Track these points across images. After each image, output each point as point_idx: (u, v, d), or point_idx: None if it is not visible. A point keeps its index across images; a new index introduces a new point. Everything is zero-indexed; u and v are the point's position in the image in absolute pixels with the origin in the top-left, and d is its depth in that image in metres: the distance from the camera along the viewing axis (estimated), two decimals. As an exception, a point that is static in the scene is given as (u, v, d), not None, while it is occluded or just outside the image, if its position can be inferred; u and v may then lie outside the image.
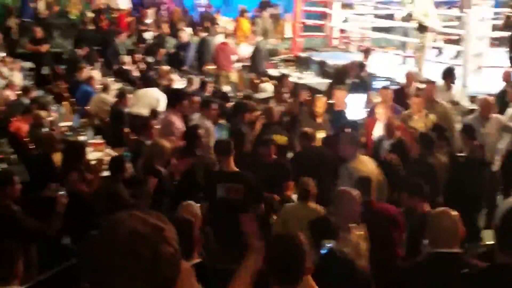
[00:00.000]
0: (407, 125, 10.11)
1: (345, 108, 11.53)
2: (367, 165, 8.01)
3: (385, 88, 11.77)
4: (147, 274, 1.86)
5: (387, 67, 16.32)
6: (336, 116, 11.06)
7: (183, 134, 9.46)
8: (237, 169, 7.45)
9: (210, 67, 18.08)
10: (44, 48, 17.25)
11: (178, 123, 9.99)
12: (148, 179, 7.62)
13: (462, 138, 9.37)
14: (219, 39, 18.08)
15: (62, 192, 6.97)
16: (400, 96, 11.91)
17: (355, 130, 9.73)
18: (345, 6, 20.40)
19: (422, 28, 14.81)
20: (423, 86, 11.92)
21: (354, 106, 11.82)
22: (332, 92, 12.17)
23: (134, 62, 17.10)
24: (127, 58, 17.16)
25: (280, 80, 13.57)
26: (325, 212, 6.62)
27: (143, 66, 17.05)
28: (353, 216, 5.87)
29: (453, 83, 12.41)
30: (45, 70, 16.93)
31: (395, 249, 6.40)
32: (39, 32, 17.98)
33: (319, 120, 10.57)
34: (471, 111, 11.71)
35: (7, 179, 7.07)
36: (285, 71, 17.31)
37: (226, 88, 15.72)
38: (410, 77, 12.96)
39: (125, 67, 16.83)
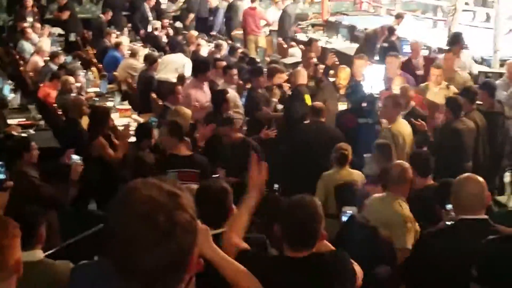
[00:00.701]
0: (424, 97, 9.83)
1: (363, 80, 10.73)
2: (406, 128, 8.05)
3: (391, 55, 11.10)
4: (163, 241, 1.84)
5: (417, 31, 16.09)
6: (353, 88, 10.20)
7: (210, 99, 9.43)
8: (190, 153, 7.33)
9: (238, 32, 18.00)
10: (65, 14, 17.20)
11: (199, 95, 9.80)
12: None
13: (481, 94, 9.05)
14: (246, 3, 17.94)
15: (77, 159, 7.00)
16: (409, 67, 11.56)
17: (372, 105, 9.23)
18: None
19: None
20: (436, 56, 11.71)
21: (373, 78, 10.88)
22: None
23: (163, 27, 17.03)
24: (158, 24, 17.11)
25: (308, 44, 13.46)
26: (361, 178, 6.59)
27: (171, 31, 17.01)
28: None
29: (462, 49, 11.74)
30: (72, 37, 16.90)
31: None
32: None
33: (342, 91, 10.40)
34: (501, 75, 11.32)
35: (24, 145, 7.13)
36: (313, 35, 17.18)
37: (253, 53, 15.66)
38: (416, 47, 12.47)
39: (154, 32, 16.78)
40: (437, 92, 9.84)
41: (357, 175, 6.89)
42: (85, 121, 9.20)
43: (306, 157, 8.08)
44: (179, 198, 1.90)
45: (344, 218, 5.07)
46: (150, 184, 1.91)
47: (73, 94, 10.55)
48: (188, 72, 11.93)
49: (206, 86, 10.07)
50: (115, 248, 1.87)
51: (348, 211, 5.11)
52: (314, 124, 8.37)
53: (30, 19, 17.21)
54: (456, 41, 11.74)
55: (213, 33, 17.55)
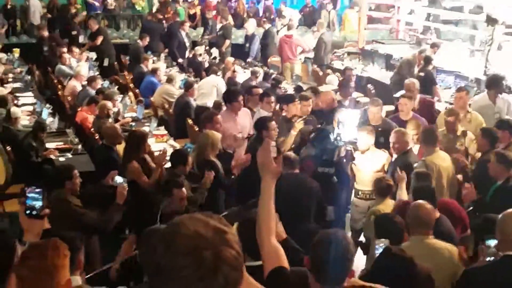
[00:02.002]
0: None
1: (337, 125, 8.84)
2: (444, 160, 7.94)
3: (405, 96, 10.01)
4: (208, 277, 1.83)
5: (454, 60, 16.01)
6: (318, 134, 8.46)
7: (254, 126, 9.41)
8: None
9: (275, 58, 18.07)
10: (98, 40, 17.41)
11: (230, 126, 9.69)
12: (204, 172, 7.63)
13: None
14: (283, 31, 18.01)
15: (122, 181, 7.02)
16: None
17: (332, 155, 8.00)
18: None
19: (491, 21, 14.44)
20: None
21: (347, 123, 8.36)
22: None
23: (199, 54, 17.17)
24: (201, 50, 17.26)
25: (344, 72, 13.44)
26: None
27: (207, 57, 17.14)
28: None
29: (501, 93, 10.56)
30: (105, 62, 17.09)
31: (457, 246, 6.26)
32: (93, 25, 18.14)
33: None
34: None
35: (67, 174, 7.19)
36: (349, 63, 17.19)
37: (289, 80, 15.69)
38: (412, 87, 11.15)
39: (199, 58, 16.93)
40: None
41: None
42: (120, 147, 9.28)
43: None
44: (225, 234, 1.91)
45: (379, 250, 5.00)
46: (196, 220, 1.92)
47: (110, 120, 10.65)
48: (222, 90, 12.05)
49: (243, 115, 10.03)
50: (159, 282, 1.87)
51: (382, 243, 5.04)
52: (291, 176, 7.40)
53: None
54: (492, 85, 10.59)
55: (249, 60, 17.62)
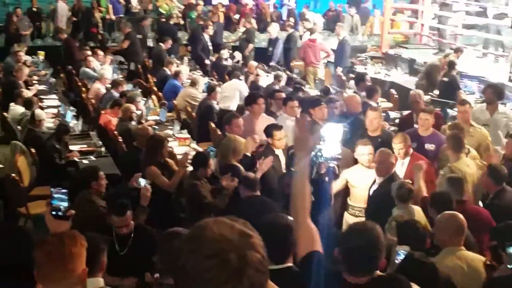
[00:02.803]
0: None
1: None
2: (469, 166, 7.87)
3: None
4: (234, 280, 1.84)
5: (478, 65, 15.93)
6: None
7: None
8: None
9: (297, 63, 18.07)
10: (125, 43, 17.51)
11: (248, 128, 9.56)
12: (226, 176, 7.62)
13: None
14: (307, 35, 18.01)
15: (145, 183, 7.05)
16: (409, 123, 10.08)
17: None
18: (438, 2, 20.01)
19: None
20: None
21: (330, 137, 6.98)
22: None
23: (225, 58, 17.22)
24: (226, 53, 17.30)
25: (360, 80, 13.16)
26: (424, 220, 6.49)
27: (230, 61, 17.18)
28: None
29: (504, 104, 10.37)
30: (132, 66, 17.19)
31: (484, 253, 6.23)
32: (125, 28, 18.27)
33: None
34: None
35: (93, 175, 7.24)
36: (372, 68, 17.16)
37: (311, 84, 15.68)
38: (417, 98, 10.52)
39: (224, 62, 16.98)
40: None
41: (418, 214, 6.79)
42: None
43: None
44: (250, 238, 1.92)
45: (400, 256, 4.99)
46: (221, 223, 1.93)
47: (133, 122, 10.71)
48: (245, 94, 12.08)
49: (264, 121, 9.95)
50: (184, 284, 1.88)
51: (403, 249, 5.03)
52: (251, 199, 7.07)
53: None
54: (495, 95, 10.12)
55: (272, 63, 17.63)
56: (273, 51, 18.16)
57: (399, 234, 5.57)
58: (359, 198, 7.83)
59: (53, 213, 3.62)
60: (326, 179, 7.18)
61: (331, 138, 5.27)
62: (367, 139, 8.22)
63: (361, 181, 7.81)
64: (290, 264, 4.30)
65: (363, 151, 7.75)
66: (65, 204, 3.64)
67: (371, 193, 7.55)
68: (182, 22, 21.70)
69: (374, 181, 7.56)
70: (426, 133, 8.91)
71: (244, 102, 10.69)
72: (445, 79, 13.10)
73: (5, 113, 12.00)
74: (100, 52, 16.67)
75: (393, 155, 7.61)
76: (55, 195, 3.63)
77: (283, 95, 10.92)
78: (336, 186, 7.78)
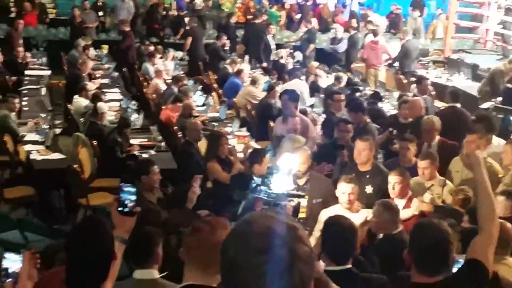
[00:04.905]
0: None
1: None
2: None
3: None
4: (285, 274, 1.83)
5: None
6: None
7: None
8: None
9: (358, 64, 17.98)
10: (188, 40, 17.64)
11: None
12: None
13: None
14: (369, 37, 17.89)
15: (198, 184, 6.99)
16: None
17: None
18: (502, 7, 19.66)
19: None
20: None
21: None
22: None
23: (280, 56, 17.24)
24: (283, 52, 17.33)
25: (418, 83, 12.96)
26: None
27: (290, 61, 17.18)
28: None
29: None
30: (193, 62, 17.33)
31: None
32: (191, 24, 18.45)
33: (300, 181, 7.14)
34: None
35: (144, 169, 7.34)
36: (434, 72, 16.96)
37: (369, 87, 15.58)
38: (433, 126, 8.85)
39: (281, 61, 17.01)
40: (433, 188, 7.38)
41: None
42: (202, 145, 9.42)
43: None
44: (297, 230, 1.91)
45: (458, 265, 4.92)
46: (268, 217, 1.92)
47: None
48: (307, 97, 12.10)
49: (296, 123, 9.72)
50: (235, 280, 1.87)
51: (461, 258, 4.95)
52: None
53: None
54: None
55: (336, 66, 17.53)
56: (334, 52, 18.10)
57: (463, 243, 5.49)
58: None
59: (120, 209, 3.65)
60: None
61: (285, 170, 4.37)
62: (355, 173, 7.16)
63: None
64: (350, 265, 4.31)
65: (344, 189, 6.48)
66: (133, 199, 3.66)
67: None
68: (243, 20, 21.80)
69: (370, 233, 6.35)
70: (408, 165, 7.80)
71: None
72: (510, 85, 12.88)
73: (68, 105, 12.24)
74: (161, 48, 16.88)
75: (398, 211, 6.20)
76: (124, 190, 3.67)
77: (342, 97, 10.87)
78: (315, 233, 6.41)
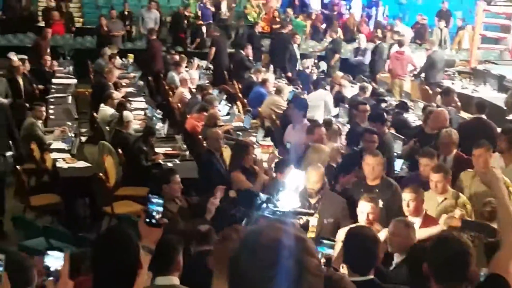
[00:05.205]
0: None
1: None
2: None
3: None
4: (292, 286, 1.83)
5: None
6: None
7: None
8: None
9: (384, 74, 17.92)
10: (212, 50, 17.73)
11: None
12: None
13: None
14: (395, 47, 17.84)
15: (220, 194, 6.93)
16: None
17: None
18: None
19: None
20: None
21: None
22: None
23: (306, 66, 17.23)
24: (308, 62, 17.33)
25: (446, 94, 12.85)
26: None
27: (315, 70, 17.17)
28: None
29: None
30: (218, 71, 17.39)
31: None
32: (213, 34, 18.54)
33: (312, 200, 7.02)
34: None
35: (165, 178, 7.38)
36: (460, 83, 16.86)
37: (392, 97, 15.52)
38: (450, 139, 8.67)
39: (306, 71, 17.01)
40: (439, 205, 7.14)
41: None
42: (227, 154, 9.43)
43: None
44: (305, 242, 1.91)
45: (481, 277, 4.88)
46: (276, 229, 1.92)
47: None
48: (331, 107, 12.10)
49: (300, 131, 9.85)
50: None
51: (483, 272, 4.91)
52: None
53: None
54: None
55: (361, 76, 17.50)
56: (359, 62, 18.07)
57: (487, 255, 5.46)
58: None
59: (147, 220, 3.67)
60: None
61: (292, 187, 4.32)
62: (364, 188, 7.17)
63: None
64: (372, 276, 4.30)
65: (363, 208, 6.26)
66: (160, 211, 3.67)
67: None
68: (267, 29, 21.86)
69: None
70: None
71: None
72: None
73: (94, 114, 12.32)
74: (185, 57, 16.94)
75: (413, 228, 5.95)
76: (152, 201, 3.68)
77: (368, 107, 10.85)
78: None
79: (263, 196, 4.52)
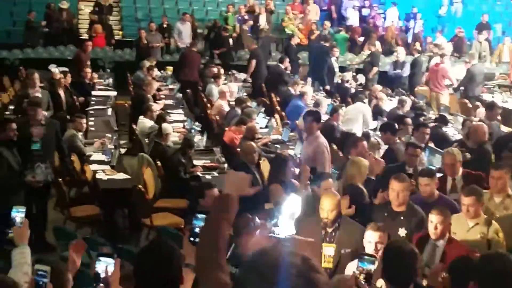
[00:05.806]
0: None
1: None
2: None
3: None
4: None
5: None
6: None
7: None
8: None
9: (422, 88, 17.82)
10: (252, 63, 17.78)
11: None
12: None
13: None
14: (435, 60, 17.72)
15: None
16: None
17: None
18: None
19: None
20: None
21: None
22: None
23: (346, 80, 17.21)
24: (348, 75, 17.32)
25: (490, 108, 12.71)
26: None
27: (354, 83, 17.14)
28: None
29: None
30: (257, 84, 17.44)
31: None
32: (252, 46, 18.63)
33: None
34: None
35: (200, 191, 7.44)
36: (499, 97, 16.69)
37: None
38: (453, 159, 8.30)
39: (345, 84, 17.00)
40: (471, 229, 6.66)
41: None
42: (265, 167, 9.44)
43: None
44: (310, 260, 1.93)
45: None
46: (279, 250, 1.94)
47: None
48: (370, 120, 12.07)
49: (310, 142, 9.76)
50: None
51: None
52: None
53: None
54: None
55: (399, 89, 17.42)
56: (398, 75, 17.97)
57: None
58: None
59: (191, 239, 3.68)
60: None
61: (289, 213, 4.08)
62: (388, 213, 6.87)
63: None
64: None
65: (370, 238, 5.80)
66: (201, 224, 3.67)
67: None
68: (305, 42, 21.88)
69: None
70: (430, 199, 7.22)
71: None
72: None
73: (134, 126, 12.42)
74: (223, 70, 17.05)
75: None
76: (198, 218, 3.69)
77: (409, 121, 10.82)
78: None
79: (258, 222, 4.22)
